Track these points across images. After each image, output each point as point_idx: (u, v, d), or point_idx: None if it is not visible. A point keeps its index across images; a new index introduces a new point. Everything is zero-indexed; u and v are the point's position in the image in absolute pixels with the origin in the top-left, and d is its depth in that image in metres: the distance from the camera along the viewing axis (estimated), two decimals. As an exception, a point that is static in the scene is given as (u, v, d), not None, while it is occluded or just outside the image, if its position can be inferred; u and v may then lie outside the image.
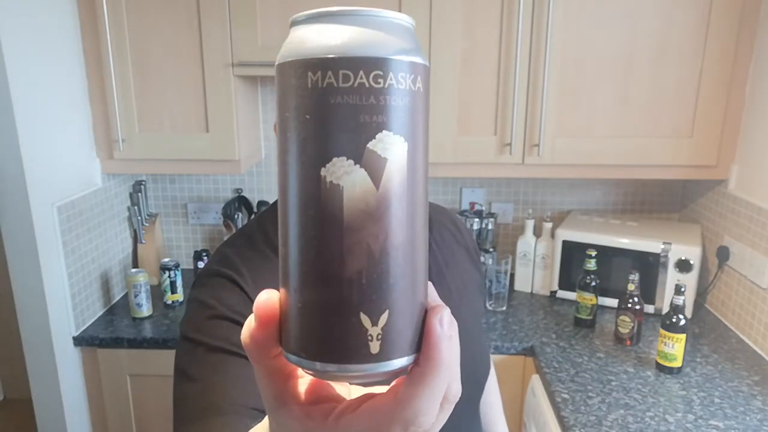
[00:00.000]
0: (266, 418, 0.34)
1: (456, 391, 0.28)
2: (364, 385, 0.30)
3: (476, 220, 2.09)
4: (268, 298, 0.28)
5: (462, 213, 2.14)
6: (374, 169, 0.24)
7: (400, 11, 1.70)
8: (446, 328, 0.27)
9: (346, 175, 0.24)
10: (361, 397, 0.29)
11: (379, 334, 0.26)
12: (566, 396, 1.42)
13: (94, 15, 1.75)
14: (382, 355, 0.26)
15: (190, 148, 1.84)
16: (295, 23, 0.27)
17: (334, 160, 0.24)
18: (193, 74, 1.79)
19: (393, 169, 0.25)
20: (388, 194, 0.25)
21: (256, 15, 1.73)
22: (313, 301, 0.26)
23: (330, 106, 0.24)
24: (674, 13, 1.69)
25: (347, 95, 0.24)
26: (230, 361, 0.68)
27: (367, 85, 0.24)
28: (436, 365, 0.26)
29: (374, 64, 0.24)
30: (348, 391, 0.32)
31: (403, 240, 0.26)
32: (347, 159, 0.24)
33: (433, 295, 0.29)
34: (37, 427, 1.77)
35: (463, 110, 1.79)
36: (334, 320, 0.25)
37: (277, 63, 0.26)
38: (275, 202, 0.87)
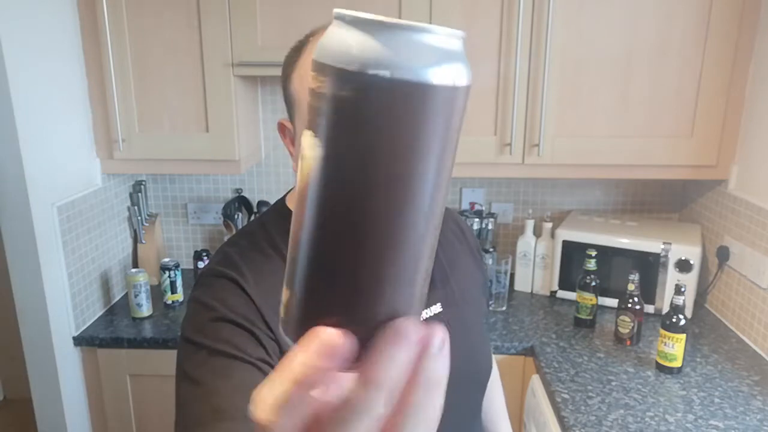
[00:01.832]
0: None
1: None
2: None
3: (476, 220, 2.09)
4: None
5: (462, 213, 2.14)
6: (305, 158, 0.27)
7: (400, 13, 1.71)
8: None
9: (308, 149, 0.26)
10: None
11: (285, 303, 0.28)
12: (566, 396, 1.42)
13: (94, 15, 1.75)
14: (284, 323, 0.28)
15: (190, 148, 1.84)
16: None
17: (306, 131, 0.27)
18: (193, 74, 1.79)
19: (304, 167, 0.26)
20: (302, 186, 0.27)
21: (256, 15, 1.73)
22: None
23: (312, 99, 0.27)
24: (674, 13, 1.69)
25: (313, 95, 0.26)
26: (234, 366, 0.68)
27: (313, 86, 0.26)
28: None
29: (315, 67, 0.26)
30: None
31: (300, 236, 0.27)
32: (312, 135, 0.26)
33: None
34: (37, 427, 1.77)
35: (463, 110, 1.79)
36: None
37: None
38: (276, 203, 0.87)
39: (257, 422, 0.24)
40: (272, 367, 0.70)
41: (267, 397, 0.24)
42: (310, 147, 0.26)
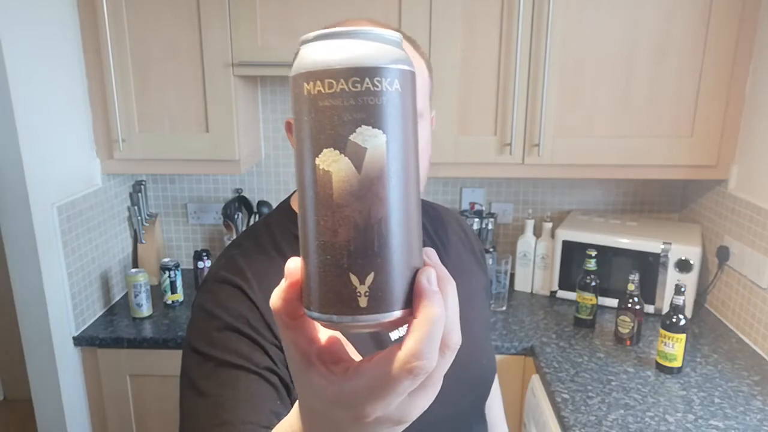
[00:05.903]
0: (291, 411, 0.39)
1: (456, 340, 0.32)
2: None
3: (476, 220, 2.09)
4: (295, 265, 0.33)
5: (462, 213, 2.14)
6: (356, 156, 0.30)
7: (400, 13, 1.71)
8: (433, 284, 0.31)
9: (334, 163, 0.30)
10: (373, 354, 0.33)
11: (366, 291, 0.31)
12: (566, 396, 1.42)
13: (94, 15, 1.75)
14: (371, 309, 0.31)
15: (190, 148, 1.84)
16: (301, 43, 0.32)
17: (325, 151, 0.30)
18: (193, 74, 1.79)
19: (373, 156, 0.30)
20: (369, 177, 0.30)
21: (256, 15, 1.72)
22: (317, 265, 0.31)
23: (320, 108, 0.30)
24: (674, 13, 1.69)
25: (332, 99, 0.30)
26: (241, 377, 0.68)
27: (347, 90, 0.29)
28: (425, 317, 0.30)
29: (351, 73, 0.29)
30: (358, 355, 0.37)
31: (386, 214, 0.30)
32: (334, 149, 0.30)
33: (433, 259, 0.33)
34: (37, 427, 1.77)
35: (463, 110, 1.79)
36: (332, 279, 0.31)
37: (290, 76, 0.33)
38: (281, 204, 0.87)
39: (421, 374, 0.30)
40: (277, 375, 0.70)
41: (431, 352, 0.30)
42: (372, 135, 0.30)
